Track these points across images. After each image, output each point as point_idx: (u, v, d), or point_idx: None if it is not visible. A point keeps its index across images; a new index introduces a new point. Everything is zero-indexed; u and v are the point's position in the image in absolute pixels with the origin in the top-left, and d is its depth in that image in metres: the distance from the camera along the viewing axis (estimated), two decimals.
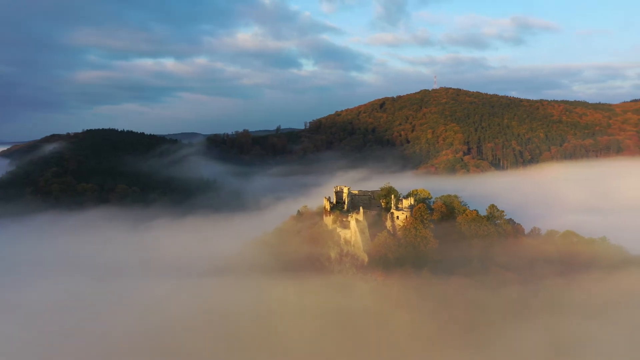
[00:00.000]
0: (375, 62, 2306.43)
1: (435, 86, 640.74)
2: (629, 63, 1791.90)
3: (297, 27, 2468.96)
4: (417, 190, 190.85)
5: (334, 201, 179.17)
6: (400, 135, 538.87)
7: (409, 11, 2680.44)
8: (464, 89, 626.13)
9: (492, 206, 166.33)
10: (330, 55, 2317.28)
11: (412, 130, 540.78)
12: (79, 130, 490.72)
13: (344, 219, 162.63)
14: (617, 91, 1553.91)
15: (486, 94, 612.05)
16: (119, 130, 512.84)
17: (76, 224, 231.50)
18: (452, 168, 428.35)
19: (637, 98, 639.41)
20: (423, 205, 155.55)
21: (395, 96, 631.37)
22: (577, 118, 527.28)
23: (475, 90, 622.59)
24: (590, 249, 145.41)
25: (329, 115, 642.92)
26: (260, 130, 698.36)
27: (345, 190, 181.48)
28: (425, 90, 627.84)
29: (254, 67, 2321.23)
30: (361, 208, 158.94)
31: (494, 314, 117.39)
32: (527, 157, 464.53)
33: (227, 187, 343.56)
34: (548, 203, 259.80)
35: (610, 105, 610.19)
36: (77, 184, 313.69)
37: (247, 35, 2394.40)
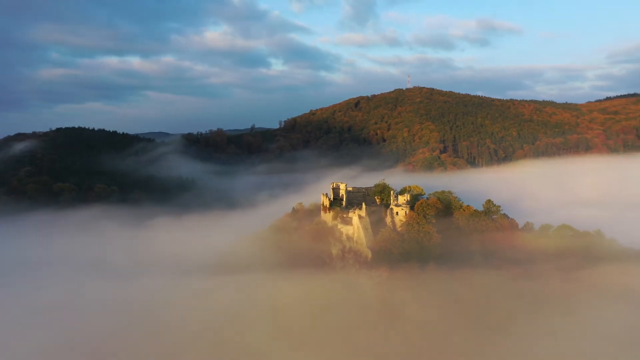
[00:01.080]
0: (344, 62, 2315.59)
1: (409, 85, 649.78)
2: (588, 65, 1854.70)
3: (266, 26, 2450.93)
4: (409, 186, 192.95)
5: (331, 197, 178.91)
6: (377, 134, 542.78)
7: (378, 12, 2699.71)
8: (433, 88, 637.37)
9: (489, 201, 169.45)
10: (300, 54, 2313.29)
11: (388, 129, 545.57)
12: (43, 129, 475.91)
13: (345, 215, 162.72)
14: (577, 92, 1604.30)
15: (459, 94, 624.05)
16: (90, 128, 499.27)
17: (67, 224, 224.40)
18: (430, 166, 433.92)
19: (600, 98, 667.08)
20: (425, 201, 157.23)
21: (369, 95, 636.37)
22: (547, 117, 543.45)
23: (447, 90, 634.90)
24: (586, 242, 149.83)
25: (304, 114, 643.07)
26: (230, 130, 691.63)
27: (342, 186, 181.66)
28: (400, 90, 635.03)
29: (223, 66, 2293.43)
30: (364, 204, 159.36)
31: (506, 307, 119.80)
32: (501, 155, 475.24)
33: (213, 185, 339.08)
34: (532, 199, 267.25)
35: (576, 105, 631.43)
36: (54, 183, 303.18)
37: (215, 34, 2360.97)
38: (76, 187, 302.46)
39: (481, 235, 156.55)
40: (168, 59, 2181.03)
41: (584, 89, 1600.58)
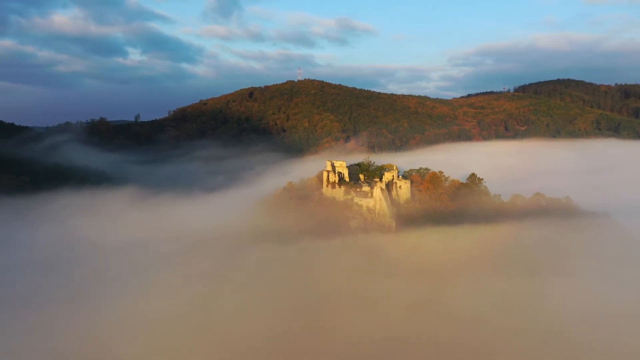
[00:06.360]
0: (207, 55, 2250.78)
1: (300, 77, 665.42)
2: (432, 66, 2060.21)
3: (123, 13, 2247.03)
4: (385, 165, 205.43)
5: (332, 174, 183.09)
6: (276, 124, 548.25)
7: (242, 5, 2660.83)
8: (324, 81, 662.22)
9: (473, 174, 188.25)
10: (160, 44, 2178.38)
11: (287, 120, 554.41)
12: None
13: (359, 190, 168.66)
14: (424, 91, 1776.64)
15: (347, 87, 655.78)
16: None
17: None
18: (339, 155, 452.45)
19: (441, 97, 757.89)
20: (434, 173, 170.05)
21: (263, 86, 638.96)
22: (430, 110, 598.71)
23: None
24: (560, 206, 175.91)
25: (194, 104, 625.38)
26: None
27: (338, 164, 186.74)
28: (292, 82, 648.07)
29: (72, 53, 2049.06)
30: (384, 177, 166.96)
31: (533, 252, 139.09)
32: (398, 144, 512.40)
33: (146, 173, 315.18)
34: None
35: (447, 100, 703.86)
36: None
37: (64, 18, 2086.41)
38: None
39: (473, 201, 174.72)
40: (6, 42, 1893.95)
41: (429, 89, 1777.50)
